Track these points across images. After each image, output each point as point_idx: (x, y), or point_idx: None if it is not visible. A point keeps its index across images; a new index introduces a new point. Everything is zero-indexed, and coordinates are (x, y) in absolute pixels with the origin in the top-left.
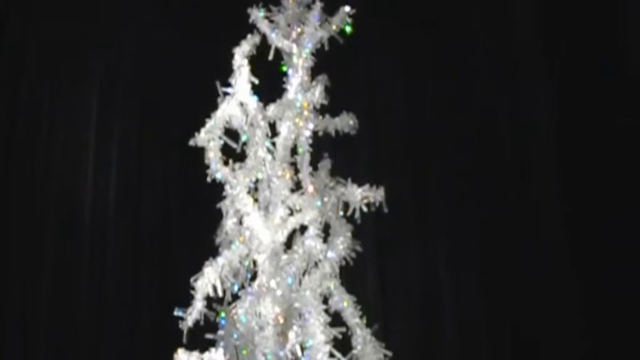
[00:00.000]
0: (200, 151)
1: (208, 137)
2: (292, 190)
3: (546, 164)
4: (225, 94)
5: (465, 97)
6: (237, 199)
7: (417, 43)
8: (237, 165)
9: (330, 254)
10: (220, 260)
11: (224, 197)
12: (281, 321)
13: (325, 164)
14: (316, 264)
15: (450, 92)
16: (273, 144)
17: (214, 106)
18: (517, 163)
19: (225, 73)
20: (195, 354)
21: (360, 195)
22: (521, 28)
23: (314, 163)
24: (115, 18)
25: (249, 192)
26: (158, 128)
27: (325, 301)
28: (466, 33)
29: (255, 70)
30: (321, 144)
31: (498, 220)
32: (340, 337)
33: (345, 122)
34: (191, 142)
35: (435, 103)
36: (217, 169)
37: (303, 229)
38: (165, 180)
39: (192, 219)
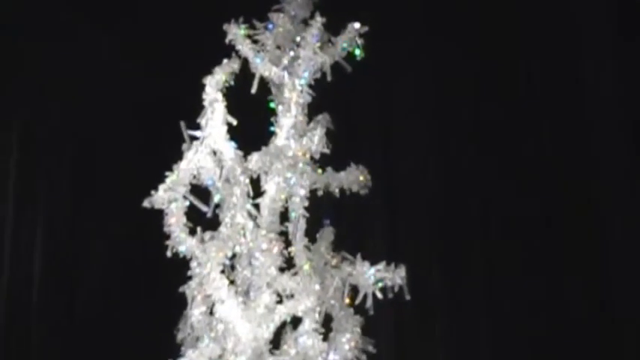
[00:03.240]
0: (157, 216)
1: (169, 197)
2: (282, 270)
3: None
4: (193, 138)
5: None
6: (208, 281)
7: (454, 69)
8: (207, 235)
9: (332, 357)
10: None
11: (189, 278)
12: None
13: (326, 234)
14: None
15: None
16: (257, 206)
17: (177, 156)
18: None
19: (192, 111)
20: None
21: (373, 276)
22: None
23: (311, 233)
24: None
25: (223, 271)
26: (97, 185)
27: None
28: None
29: (232, 108)
30: (320, 207)
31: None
32: None
33: (354, 178)
34: (145, 204)
35: (476, 155)
36: (181, 240)
37: (296, 321)
38: (107, 255)
39: (144, 308)
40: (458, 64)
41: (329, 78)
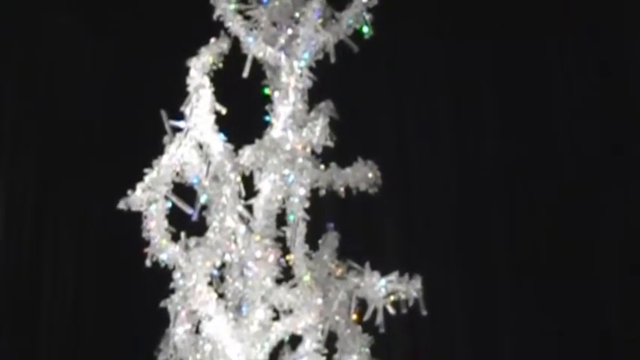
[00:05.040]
0: (135, 219)
1: (148, 198)
2: (278, 281)
3: None
4: (176, 130)
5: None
6: (193, 295)
7: (474, 48)
8: (192, 241)
9: None
10: None
11: (172, 291)
12: None
13: (330, 240)
14: None
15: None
16: (249, 208)
17: (158, 150)
18: None
19: (174, 98)
20: None
21: (384, 288)
22: None
23: (312, 239)
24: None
25: (211, 283)
26: (65, 184)
27: None
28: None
29: (221, 94)
30: (324, 209)
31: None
32: None
33: (362, 175)
34: (121, 206)
35: (502, 147)
36: (162, 248)
37: (296, 341)
38: (77, 264)
39: (120, 325)
40: (478, 43)
41: (332, 59)
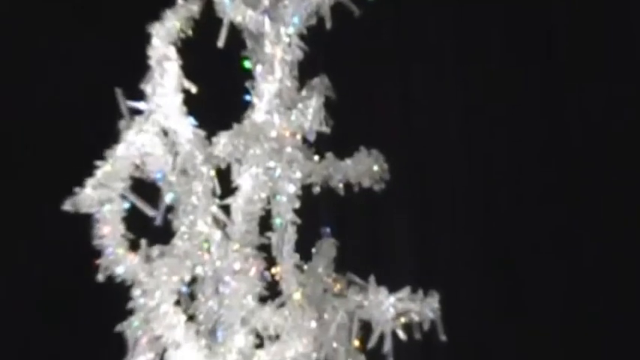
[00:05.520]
0: (85, 224)
1: (101, 197)
2: (262, 300)
3: None
4: (134, 112)
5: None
6: (156, 317)
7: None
8: (155, 250)
9: None
10: None
11: (130, 313)
12: None
13: (326, 249)
14: None
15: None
16: (226, 209)
17: (112, 138)
18: None
19: (133, 73)
20: None
21: (392, 308)
22: None
23: (304, 247)
24: None
25: (178, 302)
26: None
27: None
28: None
29: (191, 68)
30: (318, 210)
31: None
32: None
33: (365, 168)
34: (67, 207)
35: (532, 132)
36: (118, 259)
37: None
38: (12, 282)
39: (65, 354)
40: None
41: (328, 25)
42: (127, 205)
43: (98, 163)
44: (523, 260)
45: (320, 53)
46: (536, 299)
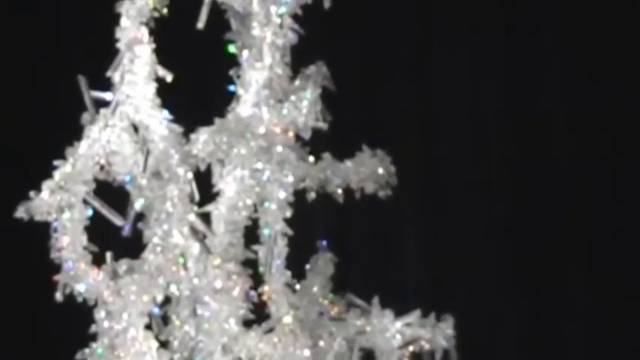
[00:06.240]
0: (41, 234)
1: (60, 202)
2: (247, 324)
3: None
4: (99, 104)
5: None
6: (124, 343)
7: None
8: (123, 265)
9: None
10: None
11: (92, 338)
12: None
13: (322, 265)
14: None
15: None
16: (205, 218)
17: (74, 134)
18: None
19: (98, 58)
20: None
21: (399, 335)
22: None
23: (297, 263)
24: None
25: (149, 326)
26: None
27: None
28: None
29: (166, 54)
30: (314, 219)
31: None
32: None
33: (368, 171)
34: (20, 214)
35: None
36: (79, 275)
37: None
38: None
39: None
40: None
41: (327, 4)
42: (90, 213)
43: (56, 162)
44: (545, 278)
45: (316, 37)
46: (561, 325)
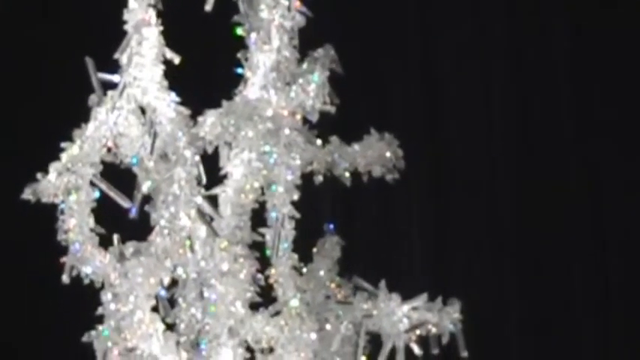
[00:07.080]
0: (48, 216)
1: (67, 184)
2: (254, 307)
3: None
4: (107, 86)
5: None
6: (130, 325)
7: None
8: (130, 247)
9: None
10: None
11: (99, 320)
12: None
13: (329, 248)
14: None
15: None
16: (213, 200)
17: (81, 116)
18: None
19: (105, 41)
20: None
21: (406, 319)
22: None
23: (304, 246)
24: None
25: (156, 309)
26: None
27: None
28: None
29: (173, 36)
30: (321, 202)
31: None
32: None
33: (376, 154)
34: (26, 196)
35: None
36: (85, 257)
37: None
38: None
39: None
40: None
41: None
42: (97, 195)
43: (64, 144)
44: (553, 264)
45: (325, 19)
46: (572, 310)
